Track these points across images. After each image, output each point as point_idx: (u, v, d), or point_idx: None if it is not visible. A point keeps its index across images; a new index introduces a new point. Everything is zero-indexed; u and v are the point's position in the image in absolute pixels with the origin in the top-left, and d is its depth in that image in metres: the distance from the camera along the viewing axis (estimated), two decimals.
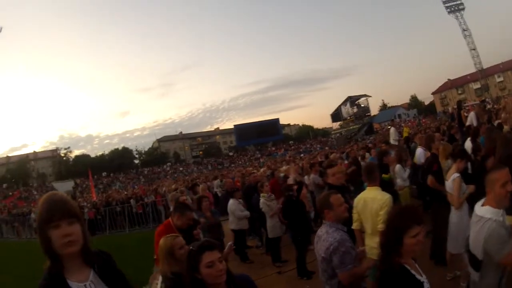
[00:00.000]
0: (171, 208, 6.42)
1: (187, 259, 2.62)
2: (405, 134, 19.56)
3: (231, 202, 9.30)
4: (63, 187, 57.33)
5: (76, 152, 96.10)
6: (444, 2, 70.18)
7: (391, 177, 7.49)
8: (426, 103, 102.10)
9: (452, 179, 5.40)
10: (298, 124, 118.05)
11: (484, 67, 74.25)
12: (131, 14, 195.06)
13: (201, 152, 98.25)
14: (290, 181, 9.39)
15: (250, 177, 11.76)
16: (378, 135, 52.39)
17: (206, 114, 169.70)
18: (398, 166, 8.23)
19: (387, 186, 5.85)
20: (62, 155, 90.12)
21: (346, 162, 13.64)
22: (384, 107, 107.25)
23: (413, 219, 2.62)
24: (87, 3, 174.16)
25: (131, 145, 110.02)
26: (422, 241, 2.61)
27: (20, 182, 78.49)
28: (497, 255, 2.89)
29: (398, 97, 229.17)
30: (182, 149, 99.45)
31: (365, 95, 79.73)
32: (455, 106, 16.77)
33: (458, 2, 70.15)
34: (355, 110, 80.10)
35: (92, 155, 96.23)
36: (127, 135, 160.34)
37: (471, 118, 12.32)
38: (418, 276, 2.65)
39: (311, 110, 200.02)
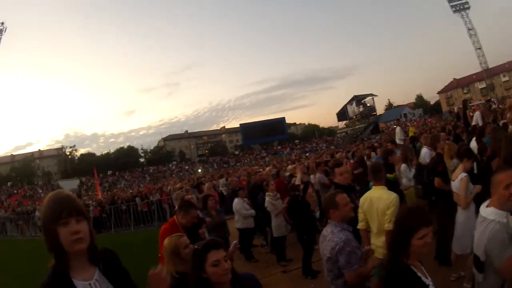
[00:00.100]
0: (176, 207, 6.43)
1: (193, 258, 2.63)
2: (411, 134, 19.51)
3: (236, 201, 9.30)
4: (69, 186, 57.27)
5: (81, 151, 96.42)
6: (449, 1, 69.70)
7: (396, 177, 7.47)
8: (432, 102, 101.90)
9: (459, 179, 5.38)
10: (304, 123, 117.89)
11: (490, 66, 73.83)
12: (136, 14, 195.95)
13: (206, 151, 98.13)
14: (297, 180, 9.36)
15: (256, 176, 11.74)
16: (384, 134, 52.17)
17: (212, 113, 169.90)
18: (403, 166, 8.20)
19: (393, 185, 5.84)
20: (68, 153, 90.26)
21: (351, 161, 13.63)
22: (390, 106, 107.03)
23: (422, 220, 2.61)
24: (92, 3, 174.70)
25: (136, 144, 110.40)
26: (430, 242, 2.61)
27: (25, 180, 78.59)
28: (496, 260, 2.87)
29: (404, 97, 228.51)
30: (187, 148, 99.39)
31: (371, 94, 79.47)
32: (461, 106, 16.73)
33: (463, 1, 69.64)
34: (361, 109, 79.92)
35: (98, 154, 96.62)
36: (133, 133, 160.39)
37: (476, 118, 12.29)
38: (423, 279, 2.64)
39: (317, 109, 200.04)
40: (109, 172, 79.34)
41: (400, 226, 2.70)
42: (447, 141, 8.41)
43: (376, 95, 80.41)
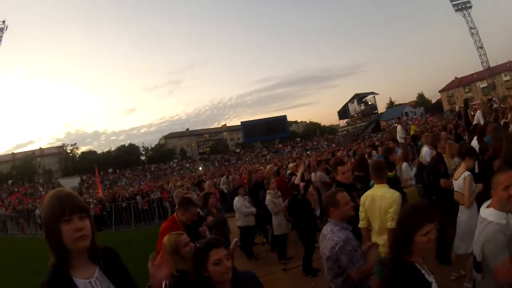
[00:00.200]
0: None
1: (194, 256, 2.63)
2: (412, 132, 19.49)
3: (237, 199, 9.32)
4: (69, 184, 57.50)
5: (82, 149, 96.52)
6: (451, 0, 69.64)
7: (396, 175, 7.46)
8: (433, 101, 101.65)
9: (462, 178, 5.36)
10: (305, 121, 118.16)
11: (491, 65, 73.74)
12: (137, 13, 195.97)
13: (208, 149, 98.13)
14: (297, 179, 9.36)
15: (257, 173, 11.74)
16: (385, 132, 52.22)
17: (213, 111, 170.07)
18: (404, 164, 8.19)
19: (394, 184, 5.83)
20: (69, 151, 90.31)
21: (352, 159, 13.63)
22: (391, 105, 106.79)
23: (426, 216, 2.62)
24: (93, 2, 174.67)
25: (137, 142, 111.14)
26: (434, 239, 2.61)
27: (26, 178, 78.68)
28: (491, 263, 2.87)
29: (405, 95, 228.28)
30: (188, 145, 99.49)
31: (372, 93, 79.61)
32: (462, 105, 16.70)
33: (465, 0, 69.66)
34: (362, 107, 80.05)
35: (99, 152, 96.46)
36: (134, 131, 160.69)
37: (477, 117, 12.27)
38: (427, 276, 2.64)
39: (318, 108, 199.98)
40: (110, 170, 79.51)
41: (404, 223, 2.69)
42: (448, 140, 8.41)
43: (378, 94, 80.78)
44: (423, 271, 2.63)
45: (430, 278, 2.65)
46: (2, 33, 57.50)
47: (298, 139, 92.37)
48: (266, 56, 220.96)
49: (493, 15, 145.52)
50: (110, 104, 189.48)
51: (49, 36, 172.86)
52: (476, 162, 6.10)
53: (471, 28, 70.39)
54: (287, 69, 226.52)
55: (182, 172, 71.40)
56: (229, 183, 17.84)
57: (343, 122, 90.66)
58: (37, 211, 23.92)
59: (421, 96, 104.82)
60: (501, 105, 29.37)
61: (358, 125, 78.47)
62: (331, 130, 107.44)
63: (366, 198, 4.96)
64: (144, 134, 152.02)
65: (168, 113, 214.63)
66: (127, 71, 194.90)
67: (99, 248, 2.17)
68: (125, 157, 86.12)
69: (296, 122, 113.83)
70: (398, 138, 16.18)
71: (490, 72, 73.69)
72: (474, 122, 12.18)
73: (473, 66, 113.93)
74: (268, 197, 8.52)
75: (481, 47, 71.30)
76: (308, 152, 48.38)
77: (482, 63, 72.90)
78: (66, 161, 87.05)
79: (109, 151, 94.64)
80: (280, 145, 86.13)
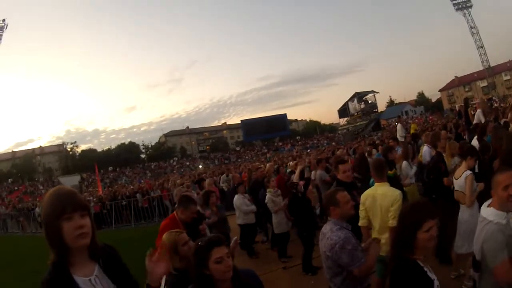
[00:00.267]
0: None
1: (195, 254, 2.62)
2: (412, 131, 19.48)
3: (236, 197, 9.33)
4: (70, 182, 57.37)
5: (82, 147, 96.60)
6: None
7: (396, 174, 7.46)
8: (433, 100, 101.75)
9: (464, 177, 5.36)
10: (305, 120, 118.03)
11: (492, 65, 73.82)
12: (138, 11, 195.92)
13: (208, 147, 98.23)
14: (295, 177, 9.38)
15: (257, 172, 11.73)
16: (385, 131, 52.25)
17: (213, 109, 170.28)
18: (404, 163, 8.18)
19: (394, 182, 5.83)
20: (69, 149, 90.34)
21: (352, 158, 13.62)
22: (391, 103, 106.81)
23: (427, 213, 2.62)
24: (94, 0, 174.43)
25: (137, 140, 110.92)
26: (435, 236, 2.60)
27: (26, 177, 78.74)
28: (491, 262, 2.86)
29: (405, 94, 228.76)
30: (188, 144, 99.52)
31: (372, 91, 79.66)
32: (462, 104, 16.70)
33: None
34: (362, 106, 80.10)
35: (99, 150, 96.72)
36: (134, 130, 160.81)
37: (478, 116, 12.26)
38: (429, 273, 2.64)
39: (319, 106, 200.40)
40: (110, 168, 79.43)
41: (405, 220, 2.69)
42: (448, 140, 8.41)
43: (378, 92, 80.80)
44: (425, 269, 2.63)
45: (433, 276, 2.65)
46: (2, 32, 57.52)
47: (298, 137, 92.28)
48: (266, 54, 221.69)
49: (494, 14, 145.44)
50: (110, 102, 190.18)
51: (49, 34, 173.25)
52: (476, 161, 6.11)
53: (471, 27, 70.43)
54: (287, 67, 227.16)
55: (182, 170, 71.41)
56: (229, 181, 17.87)
57: (343, 121, 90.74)
58: (37, 210, 23.89)
59: (421, 95, 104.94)
60: (501, 105, 29.35)
61: (358, 123, 78.52)
62: (331, 128, 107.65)
63: (366, 196, 4.94)
64: (144, 132, 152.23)
65: (168, 111, 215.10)
66: (127, 69, 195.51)
67: (99, 246, 2.17)
68: (125, 155, 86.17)
69: (296, 120, 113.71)
70: (398, 136, 16.17)
71: (491, 72, 73.70)
72: (474, 121, 12.17)
73: (473, 65, 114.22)
74: (268, 195, 8.52)
75: (481, 47, 71.37)
76: (308, 151, 48.30)
77: (482, 62, 73.06)
78: (66, 159, 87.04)
79: (109, 149, 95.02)
80: (280, 144, 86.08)
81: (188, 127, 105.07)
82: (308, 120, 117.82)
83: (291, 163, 14.64)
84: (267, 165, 13.82)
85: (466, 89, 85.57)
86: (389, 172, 6.39)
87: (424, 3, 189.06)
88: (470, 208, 5.23)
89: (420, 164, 9.00)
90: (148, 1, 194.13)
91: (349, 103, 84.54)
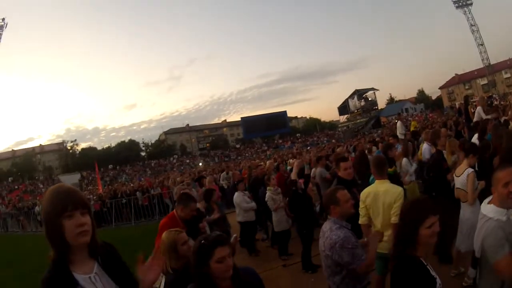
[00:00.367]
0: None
1: (198, 252, 2.62)
2: (412, 128, 19.50)
3: (236, 194, 9.33)
4: (70, 180, 57.32)
5: (82, 145, 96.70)
6: None
7: (396, 171, 7.45)
8: (433, 97, 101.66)
9: (466, 175, 5.36)
10: (305, 117, 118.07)
11: (492, 63, 73.81)
12: (138, 9, 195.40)
13: (208, 145, 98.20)
14: (293, 175, 9.39)
15: (257, 169, 11.72)
16: (385, 128, 52.25)
17: (213, 107, 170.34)
18: (404, 160, 8.17)
19: (393, 180, 5.83)
20: (69, 148, 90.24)
21: (353, 155, 13.63)
22: (391, 101, 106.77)
23: (429, 209, 2.63)
24: None
25: (137, 138, 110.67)
26: (437, 232, 2.61)
27: (26, 175, 78.69)
28: (491, 258, 2.87)
29: (405, 91, 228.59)
30: (188, 141, 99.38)
31: (372, 89, 79.71)
32: (462, 102, 16.70)
33: None
34: (363, 103, 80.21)
35: (99, 148, 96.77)
36: (134, 127, 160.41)
37: (478, 113, 12.26)
38: (431, 272, 2.64)
39: (319, 103, 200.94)
40: (110, 166, 79.40)
41: (407, 217, 2.70)
42: (448, 137, 8.41)
43: (378, 89, 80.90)
44: (428, 267, 2.64)
45: (434, 274, 2.65)
46: (2, 31, 57.42)
47: (298, 134, 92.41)
48: (266, 51, 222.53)
49: (494, 12, 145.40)
50: (110, 100, 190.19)
51: (49, 32, 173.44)
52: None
53: (471, 25, 70.31)
54: (287, 64, 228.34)
55: (182, 168, 71.36)
56: (229, 178, 17.85)
57: (343, 118, 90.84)
58: (37, 208, 23.93)
59: (421, 93, 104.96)
60: (502, 103, 29.37)
61: (358, 121, 78.54)
62: (331, 126, 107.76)
63: (367, 194, 4.92)
64: (144, 130, 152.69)
65: (168, 109, 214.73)
66: (127, 67, 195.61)
67: (98, 243, 2.18)
68: (125, 153, 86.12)
69: (296, 117, 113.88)
70: (398, 134, 16.22)
71: (491, 69, 73.67)
72: (474, 119, 12.16)
73: (473, 63, 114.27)
74: (268, 193, 8.51)
75: (481, 44, 71.24)
76: (308, 148, 48.38)
77: (482, 60, 72.92)
78: (66, 157, 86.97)
79: (109, 147, 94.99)
80: (280, 141, 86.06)
81: (188, 124, 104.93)
82: (308, 117, 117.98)
83: (291, 160, 14.62)
84: (267, 162, 13.84)
85: (466, 87, 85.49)
86: (389, 169, 6.40)
87: (424, 1, 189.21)
88: (471, 206, 5.23)
89: (419, 162, 9.00)
90: (147, 0, 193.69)
91: (349, 100, 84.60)
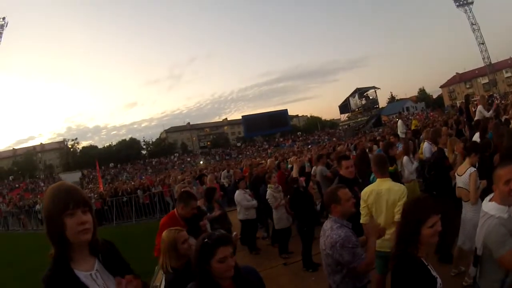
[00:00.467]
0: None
1: (200, 251, 2.61)
2: (413, 127, 19.49)
3: (237, 192, 9.34)
4: (70, 178, 57.40)
5: (83, 144, 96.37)
6: None
7: (396, 170, 7.45)
8: (434, 96, 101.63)
9: (468, 174, 5.35)
10: (306, 116, 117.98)
11: (493, 62, 73.88)
12: (139, 6, 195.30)
13: (209, 143, 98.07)
14: (294, 173, 9.38)
15: (258, 167, 11.73)
16: (386, 127, 52.22)
17: (214, 105, 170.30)
18: (405, 158, 8.16)
19: (394, 178, 5.82)
20: (70, 146, 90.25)
21: (354, 154, 13.63)
22: (392, 99, 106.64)
23: (431, 208, 2.63)
24: None
25: (138, 136, 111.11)
26: (439, 231, 2.61)
27: (27, 174, 78.61)
28: (495, 253, 2.87)
29: (406, 90, 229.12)
30: (189, 139, 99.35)
31: (373, 87, 79.78)
32: (463, 100, 16.68)
33: None
34: (364, 102, 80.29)
35: (100, 146, 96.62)
36: (135, 126, 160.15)
37: (479, 112, 12.24)
38: (433, 272, 2.64)
39: (320, 102, 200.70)
40: (111, 165, 79.44)
41: (409, 216, 2.70)
42: (449, 136, 8.41)
43: (379, 88, 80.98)
44: (429, 267, 2.64)
45: (435, 274, 2.65)
46: (2, 30, 57.45)
47: (299, 133, 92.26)
48: (267, 50, 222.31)
49: (495, 11, 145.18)
50: (111, 99, 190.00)
51: (49, 31, 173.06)
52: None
53: (472, 24, 70.29)
54: (288, 63, 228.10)
55: (183, 166, 71.41)
56: (230, 177, 17.88)
57: (344, 117, 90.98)
58: (37, 206, 23.92)
59: (422, 91, 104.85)
60: (502, 102, 29.37)
61: (359, 119, 78.63)
62: (332, 124, 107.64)
63: (369, 193, 4.88)
64: (145, 128, 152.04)
65: (169, 107, 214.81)
66: (128, 66, 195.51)
67: (99, 241, 2.18)
68: (126, 152, 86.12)
69: (297, 116, 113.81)
70: (399, 133, 16.17)
71: (492, 69, 73.66)
72: (475, 118, 12.15)
73: (474, 62, 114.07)
74: (269, 191, 8.51)
75: (482, 43, 71.23)
76: (309, 146, 48.41)
77: (483, 59, 72.98)
78: (67, 156, 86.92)
79: (110, 145, 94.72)
80: (281, 139, 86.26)
81: (189, 123, 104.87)
82: (309, 116, 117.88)
83: (291, 158, 14.62)
84: (268, 161, 13.83)
85: (467, 86, 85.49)
86: (390, 168, 6.39)
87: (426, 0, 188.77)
88: (474, 206, 5.22)
89: (420, 161, 9.00)
90: None
91: (350, 99, 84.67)
